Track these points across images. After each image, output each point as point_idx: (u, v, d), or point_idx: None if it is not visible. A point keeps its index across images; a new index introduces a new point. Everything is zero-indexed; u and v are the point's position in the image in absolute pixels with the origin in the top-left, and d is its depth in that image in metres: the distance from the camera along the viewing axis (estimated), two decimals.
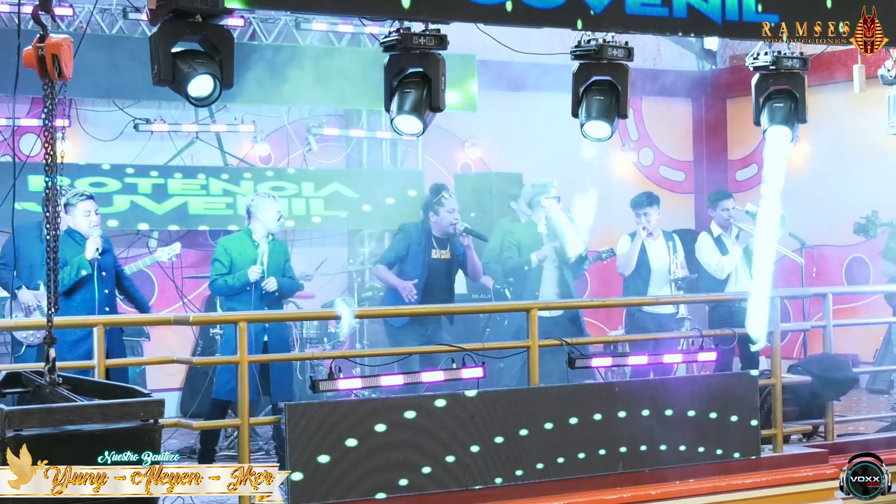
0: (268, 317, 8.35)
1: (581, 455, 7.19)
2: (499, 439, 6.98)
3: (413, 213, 11.71)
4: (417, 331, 8.71)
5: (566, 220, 9.55)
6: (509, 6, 6.85)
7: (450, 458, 6.84)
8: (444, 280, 9.08)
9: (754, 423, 7.78)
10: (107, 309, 8.16)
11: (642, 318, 9.70)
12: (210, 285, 8.75)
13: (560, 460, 7.14)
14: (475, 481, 6.89)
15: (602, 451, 7.26)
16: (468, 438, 6.89)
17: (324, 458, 6.54)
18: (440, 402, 6.88)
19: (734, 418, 7.70)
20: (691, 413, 7.56)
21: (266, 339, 8.39)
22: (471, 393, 6.98)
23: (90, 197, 8.39)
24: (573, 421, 7.19)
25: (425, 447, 6.79)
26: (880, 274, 10.64)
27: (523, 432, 7.05)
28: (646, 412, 7.42)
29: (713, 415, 7.63)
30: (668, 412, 7.49)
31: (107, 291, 8.21)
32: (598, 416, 7.27)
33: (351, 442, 6.61)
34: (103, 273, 8.20)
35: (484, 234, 9.37)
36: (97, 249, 8.13)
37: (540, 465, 7.08)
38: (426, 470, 6.78)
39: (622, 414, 7.35)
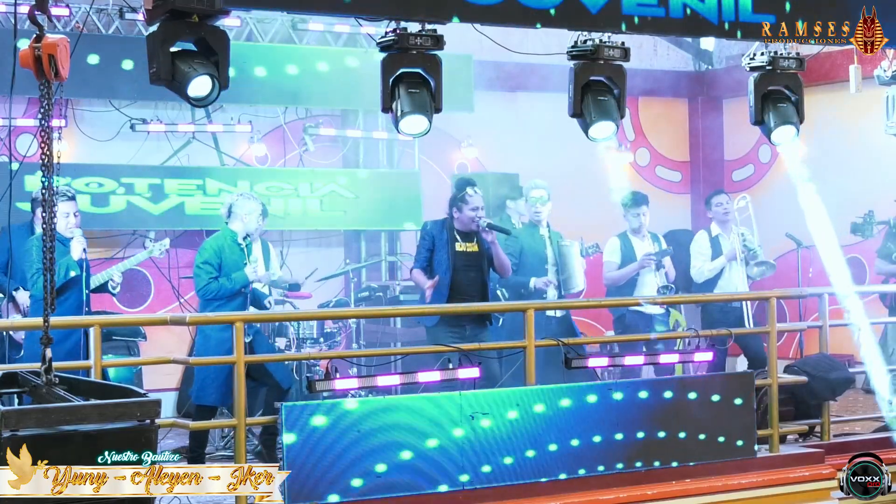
0: (265, 317, 8.36)
1: (579, 456, 7.20)
2: (496, 438, 6.99)
3: (410, 213, 11.77)
4: (453, 331, 8.47)
5: (576, 254, 9.52)
6: (507, 6, 6.86)
7: (447, 457, 6.85)
8: (474, 273, 8.78)
9: (750, 423, 7.79)
10: (86, 309, 8.13)
11: (632, 319, 9.68)
12: (202, 290, 8.45)
13: (557, 461, 7.14)
14: (473, 482, 6.90)
15: (600, 452, 7.26)
16: (464, 439, 6.90)
17: (320, 458, 6.54)
18: (438, 403, 6.89)
19: (731, 419, 7.71)
20: (688, 413, 7.56)
21: (249, 339, 8.36)
22: (467, 393, 6.99)
23: (72, 198, 8.30)
24: (570, 421, 7.20)
25: (424, 448, 6.79)
26: (875, 272, 10.67)
27: (522, 432, 7.06)
28: (642, 413, 7.42)
29: (709, 415, 7.63)
30: (665, 412, 7.49)
31: (87, 292, 8.17)
32: (595, 417, 7.27)
33: (348, 442, 6.61)
34: (84, 274, 8.16)
35: (507, 228, 9.23)
36: (84, 250, 8.10)
37: (537, 465, 7.09)
38: (423, 469, 6.79)
39: (619, 414, 7.35)
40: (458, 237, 8.74)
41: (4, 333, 8.46)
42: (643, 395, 7.46)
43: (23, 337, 8.35)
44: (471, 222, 8.71)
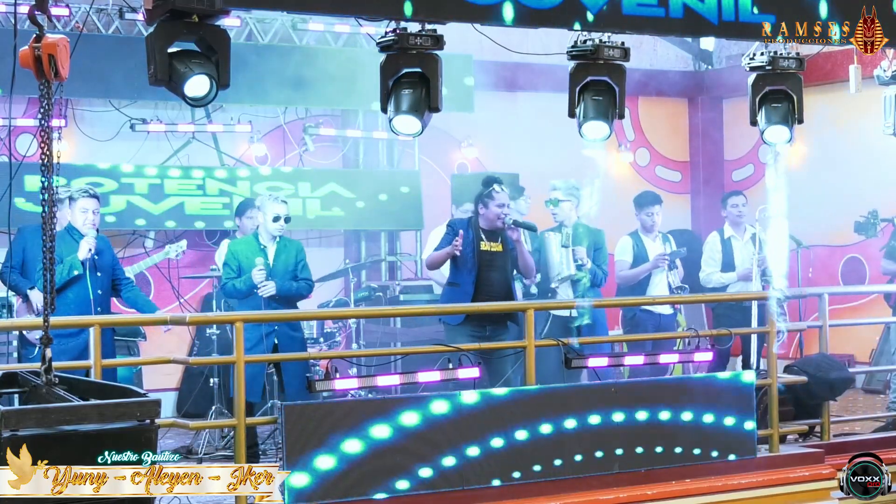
0: (264, 317, 8.34)
1: (577, 456, 7.20)
2: (496, 440, 6.98)
3: (410, 212, 11.77)
4: (474, 331, 8.46)
5: (554, 243, 9.50)
6: (507, 6, 6.86)
7: (447, 459, 6.84)
8: (498, 273, 8.73)
9: (751, 423, 7.79)
10: (98, 309, 8.12)
11: (642, 318, 9.72)
12: (221, 289, 8.80)
13: (557, 461, 7.14)
14: (472, 482, 6.89)
15: (598, 452, 7.26)
16: (465, 439, 6.90)
17: (320, 459, 6.54)
18: (437, 403, 6.88)
19: (730, 418, 7.71)
20: (688, 413, 7.56)
21: (276, 341, 8.36)
22: (469, 394, 6.99)
23: (94, 196, 8.32)
24: (570, 422, 7.20)
25: (422, 447, 6.79)
26: (881, 271, 10.67)
27: (520, 433, 7.06)
28: (642, 412, 7.42)
29: (709, 415, 7.63)
30: (665, 412, 7.49)
31: (100, 292, 8.16)
32: (594, 417, 7.27)
33: (347, 442, 6.61)
34: (98, 273, 8.16)
35: (533, 225, 9.22)
36: (90, 250, 8.10)
37: (536, 467, 7.09)
38: (423, 470, 6.78)
39: (618, 414, 7.35)
40: (483, 236, 8.74)
41: (18, 332, 8.54)
42: (642, 393, 7.47)
43: (37, 336, 8.36)
44: (496, 219, 8.69)
